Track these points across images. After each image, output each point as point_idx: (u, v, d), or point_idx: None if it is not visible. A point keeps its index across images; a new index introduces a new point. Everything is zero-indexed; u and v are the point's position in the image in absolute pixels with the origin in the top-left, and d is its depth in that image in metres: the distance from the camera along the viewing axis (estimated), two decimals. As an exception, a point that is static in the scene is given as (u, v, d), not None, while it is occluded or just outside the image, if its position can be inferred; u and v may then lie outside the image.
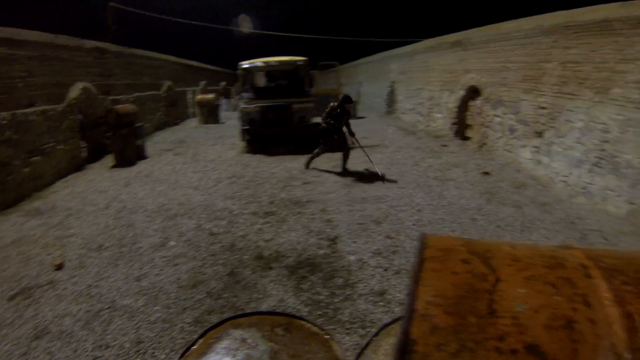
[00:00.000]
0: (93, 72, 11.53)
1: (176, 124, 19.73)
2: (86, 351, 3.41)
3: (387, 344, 1.76)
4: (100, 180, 9.10)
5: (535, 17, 9.14)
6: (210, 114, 19.57)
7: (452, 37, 13.04)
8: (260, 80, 15.27)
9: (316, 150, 9.39)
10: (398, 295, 4.12)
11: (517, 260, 1.02)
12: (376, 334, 1.80)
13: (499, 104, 10.19)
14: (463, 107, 12.33)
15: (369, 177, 8.67)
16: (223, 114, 21.53)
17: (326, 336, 1.89)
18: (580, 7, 7.87)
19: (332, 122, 9.08)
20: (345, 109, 9.10)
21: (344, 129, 9.18)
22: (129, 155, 10.55)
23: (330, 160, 9.90)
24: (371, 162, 9.01)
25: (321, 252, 5.21)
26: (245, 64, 12.65)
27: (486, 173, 8.72)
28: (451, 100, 12.84)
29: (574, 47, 7.85)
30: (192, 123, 20.24)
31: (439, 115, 13.94)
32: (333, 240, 5.54)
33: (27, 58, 8.35)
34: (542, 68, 8.66)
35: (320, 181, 8.50)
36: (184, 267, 4.87)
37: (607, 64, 7.12)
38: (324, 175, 8.93)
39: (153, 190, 8.13)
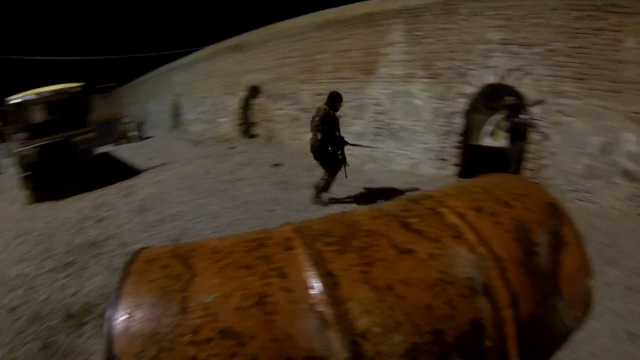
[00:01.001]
0: None
1: None
2: None
3: None
4: None
5: (309, 15, 9.70)
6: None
7: (232, 41, 12.95)
8: (36, 115, 12.39)
9: (323, 179, 6.17)
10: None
11: (218, 252, 1.09)
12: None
13: (280, 97, 10.39)
14: (246, 106, 12.24)
15: (161, 196, 7.79)
16: (2, 161, 16.81)
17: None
18: (349, 4, 8.69)
19: (330, 130, 6.08)
20: (336, 108, 6.22)
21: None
22: None
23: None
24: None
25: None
26: (15, 99, 10.09)
27: (277, 164, 8.75)
28: (234, 103, 12.65)
29: (344, 38, 8.60)
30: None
31: (224, 120, 13.59)
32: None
33: None
34: (318, 59, 9.24)
35: (113, 214, 7.32)
36: (-13, 360, 3.60)
37: (372, 49, 8.01)
38: (116, 207, 7.65)
39: None
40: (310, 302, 0.94)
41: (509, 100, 6.87)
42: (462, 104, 6.99)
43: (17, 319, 4.39)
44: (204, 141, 13.82)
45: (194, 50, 17.04)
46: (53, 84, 11.30)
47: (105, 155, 13.49)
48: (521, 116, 6.73)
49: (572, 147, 6.32)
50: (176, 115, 18.86)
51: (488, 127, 8.82)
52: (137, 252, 1.11)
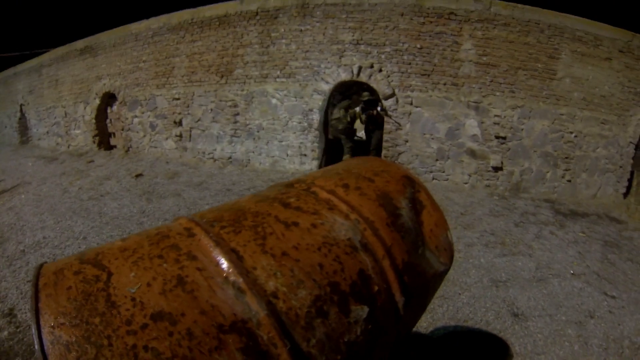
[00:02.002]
0: None
1: None
2: None
3: None
4: None
5: (163, 16, 9.15)
6: None
7: (81, 43, 11.70)
8: None
9: None
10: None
11: (126, 250, 1.14)
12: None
13: (136, 104, 9.64)
14: (101, 116, 11.11)
15: (18, 224, 6.72)
16: None
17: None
18: (206, 4, 8.43)
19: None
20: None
21: None
22: None
23: None
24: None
25: (4, 333, 3.93)
26: None
27: (139, 175, 8.29)
28: (88, 112, 11.40)
29: (199, 40, 8.29)
30: None
31: (79, 131, 12.22)
32: (10, 314, 4.37)
33: None
34: (172, 62, 8.81)
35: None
36: None
37: (228, 51, 7.85)
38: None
39: None
40: (224, 276, 1.06)
41: (365, 95, 7.51)
42: (318, 100, 7.22)
43: None
44: (58, 157, 12.34)
45: (38, 54, 15.14)
46: None
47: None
48: (377, 109, 7.34)
49: (422, 133, 7.06)
50: (24, 129, 16.61)
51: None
52: (40, 267, 1.10)
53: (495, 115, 6.93)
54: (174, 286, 0.99)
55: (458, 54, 6.77)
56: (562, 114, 7.05)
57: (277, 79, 7.41)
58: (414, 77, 6.92)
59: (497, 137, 6.98)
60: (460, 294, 3.83)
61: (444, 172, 7.17)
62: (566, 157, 7.16)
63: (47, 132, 14.64)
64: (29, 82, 15.88)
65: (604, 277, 4.45)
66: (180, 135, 8.62)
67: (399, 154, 7.18)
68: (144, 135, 9.59)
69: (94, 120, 11.16)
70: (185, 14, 8.60)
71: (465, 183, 7.16)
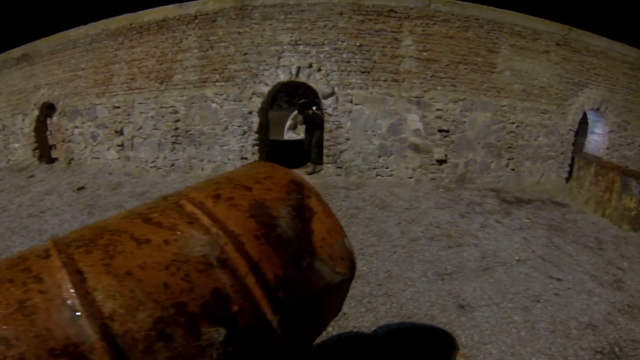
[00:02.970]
0: None
1: None
2: None
3: None
4: None
5: (101, 21, 8.80)
6: None
7: (18, 51, 11.16)
8: None
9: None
10: None
11: None
12: None
13: (76, 114, 9.26)
14: (41, 127, 10.62)
15: None
16: None
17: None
18: (145, 8, 8.14)
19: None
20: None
21: None
22: None
23: None
24: None
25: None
26: None
27: (80, 188, 7.98)
28: (27, 125, 10.88)
29: (138, 46, 8.02)
30: None
31: (18, 145, 11.64)
32: None
33: None
34: (111, 70, 8.50)
35: None
36: None
37: (167, 56, 7.63)
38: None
39: None
40: (62, 298, 1.04)
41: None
42: (257, 103, 7.16)
43: None
44: (-4, 173, 11.76)
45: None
46: None
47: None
48: (313, 108, 7.47)
49: (364, 130, 7.08)
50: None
51: (289, 122, 9.63)
52: None
53: (438, 109, 7.01)
54: (14, 310, 0.99)
55: (398, 50, 6.80)
56: (504, 106, 7.20)
57: (217, 83, 7.28)
58: (353, 75, 6.93)
59: (440, 131, 7.06)
60: (404, 290, 3.78)
61: (387, 167, 7.21)
62: (509, 147, 7.31)
63: (-17, 147, 13.90)
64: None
65: (549, 260, 4.54)
66: (122, 145, 8.36)
67: (341, 152, 7.17)
68: (86, 146, 9.23)
69: (33, 133, 10.63)
70: (123, 19, 8.29)
71: (410, 178, 7.21)
